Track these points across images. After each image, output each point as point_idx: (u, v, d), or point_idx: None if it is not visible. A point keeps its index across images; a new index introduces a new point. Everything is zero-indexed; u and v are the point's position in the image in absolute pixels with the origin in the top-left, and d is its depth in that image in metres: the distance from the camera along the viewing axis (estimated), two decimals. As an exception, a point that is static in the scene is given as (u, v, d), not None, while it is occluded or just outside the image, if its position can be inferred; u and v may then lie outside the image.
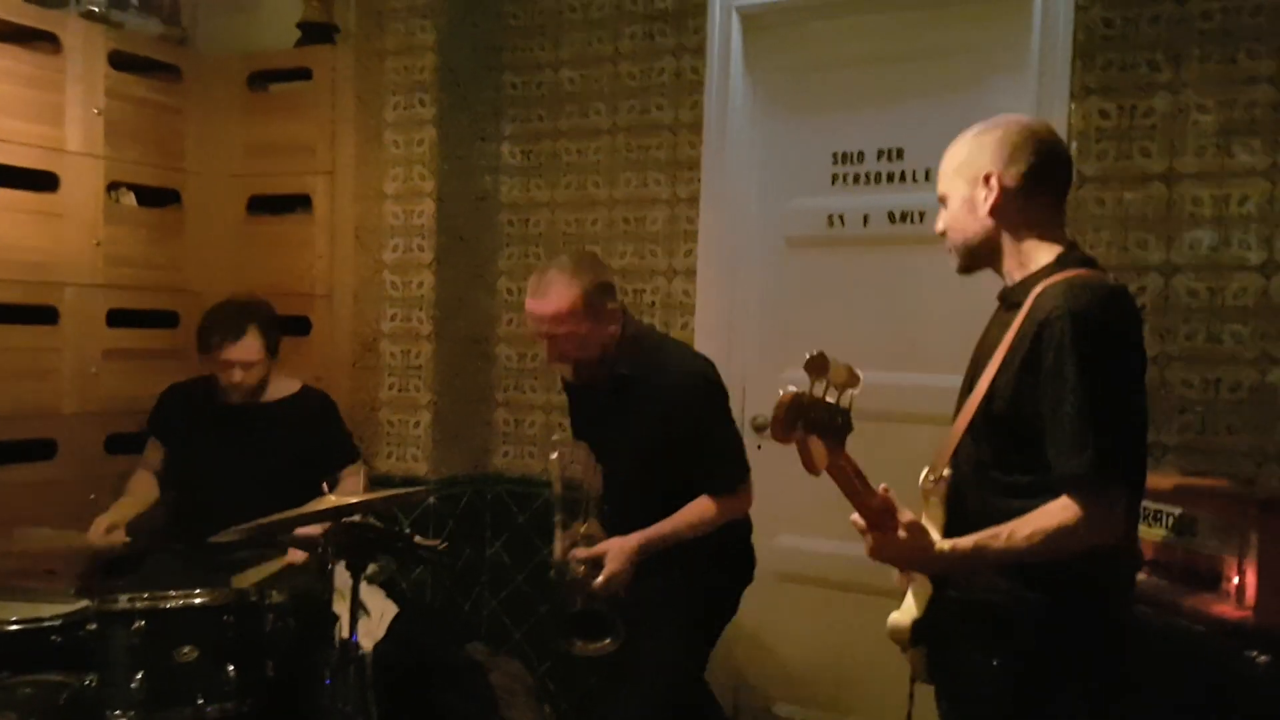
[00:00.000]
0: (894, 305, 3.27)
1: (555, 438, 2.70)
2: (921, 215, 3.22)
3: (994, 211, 1.88)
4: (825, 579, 3.27)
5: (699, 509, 2.54)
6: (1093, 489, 1.68)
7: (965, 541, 1.74)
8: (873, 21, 3.29)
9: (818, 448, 1.63)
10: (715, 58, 3.43)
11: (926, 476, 1.88)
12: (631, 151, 3.60)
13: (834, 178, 3.36)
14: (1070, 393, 1.68)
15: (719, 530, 2.58)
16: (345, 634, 2.59)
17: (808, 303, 3.41)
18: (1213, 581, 2.31)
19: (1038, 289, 1.80)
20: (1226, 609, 2.29)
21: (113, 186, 3.52)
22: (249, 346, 3.07)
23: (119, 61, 3.50)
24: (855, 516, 1.76)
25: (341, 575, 2.60)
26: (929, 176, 3.21)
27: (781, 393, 1.63)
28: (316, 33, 3.73)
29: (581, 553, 2.53)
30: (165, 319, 3.70)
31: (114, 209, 3.52)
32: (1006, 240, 1.90)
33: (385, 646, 3.00)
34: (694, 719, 2.73)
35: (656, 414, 2.52)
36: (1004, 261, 1.92)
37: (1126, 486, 1.74)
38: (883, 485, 1.73)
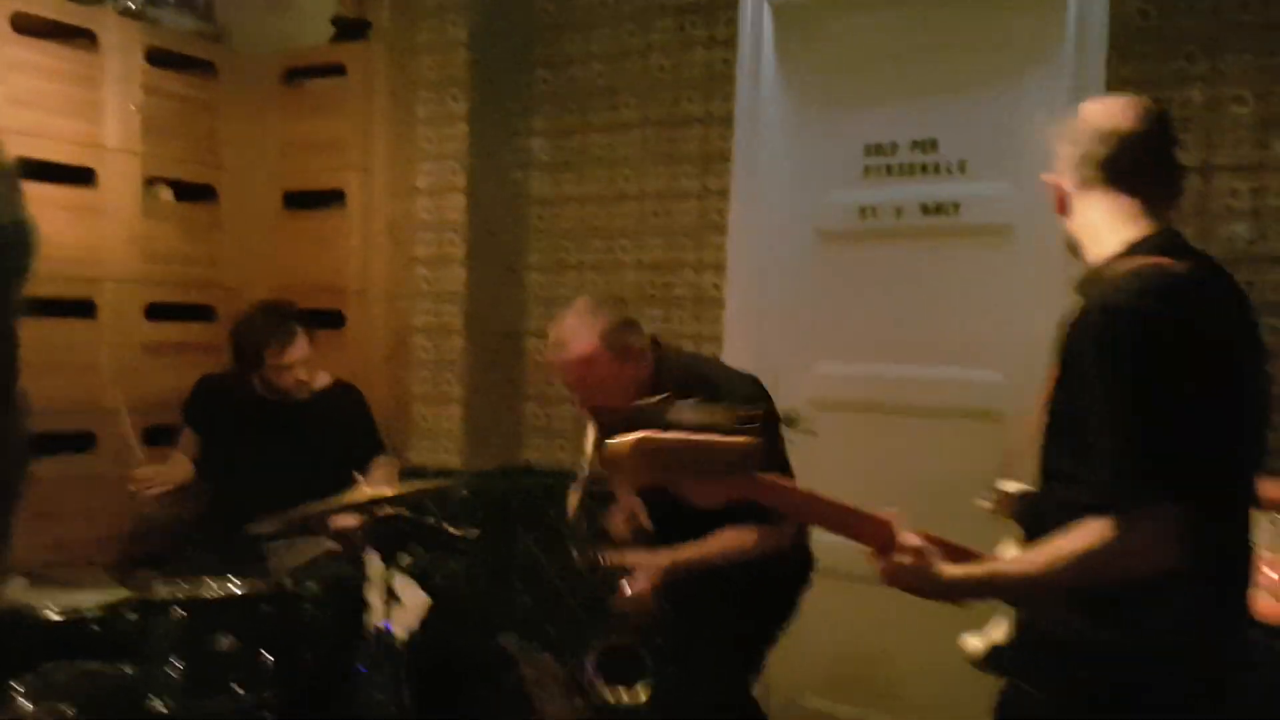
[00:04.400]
0: (927, 298, 3.25)
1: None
2: (956, 207, 3.20)
3: (1061, 211, 1.74)
4: (855, 573, 3.25)
5: (733, 537, 2.41)
6: (1122, 507, 1.46)
7: (978, 569, 1.56)
8: (905, 13, 3.28)
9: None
10: (746, 50, 3.43)
11: (986, 496, 1.73)
12: (662, 145, 3.60)
13: (866, 170, 3.34)
14: (1097, 397, 1.50)
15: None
16: (379, 624, 2.62)
17: (839, 296, 3.41)
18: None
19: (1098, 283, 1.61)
20: (1261, 604, 2.27)
21: (150, 182, 3.56)
22: (301, 344, 3.11)
23: (155, 58, 3.55)
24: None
25: (375, 566, 2.63)
26: (963, 168, 3.20)
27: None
28: (350, 29, 3.76)
29: (612, 558, 2.47)
30: (202, 313, 3.74)
31: (151, 204, 3.57)
32: (1083, 234, 1.71)
33: (419, 637, 3.02)
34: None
35: None
36: (1083, 254, 1.73)
37: (1179, 503, 1.44)
38: (892, 508, 1.60)
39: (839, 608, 3.29)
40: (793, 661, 3.35)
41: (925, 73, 3.25)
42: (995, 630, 1.71)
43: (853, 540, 1.64)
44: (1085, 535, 1.48)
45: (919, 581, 1.56)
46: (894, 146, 3.30)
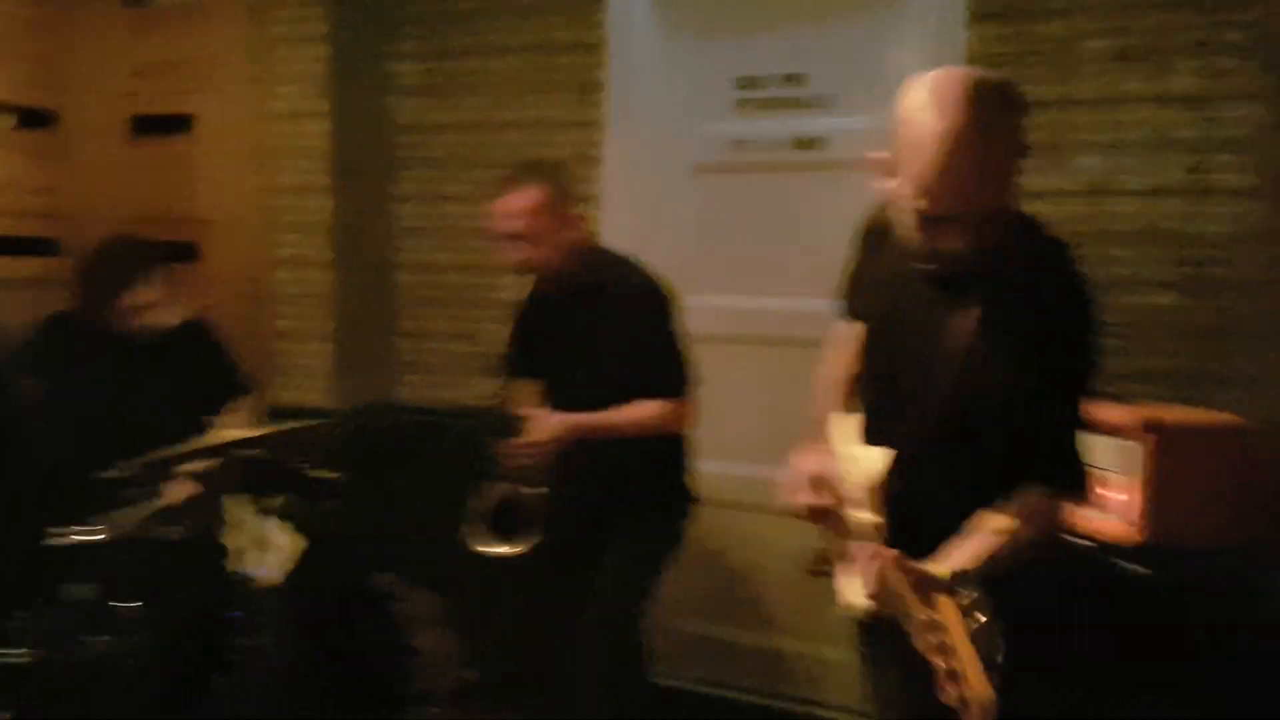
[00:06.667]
0: (799, 232, 3.28)
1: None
2: (824, 141, 3.23)
3: None
4: (729, 500, 3.33)
5: (639, 407, 2.54)
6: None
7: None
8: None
9: None
10: (617, -26, 3.36)
11: None
12: (535, 72, 3.52)
13: (738, 103, 3.33)
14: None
15: (658, 474, 2.63)
16: (249, 568, 2.56)
17: (715, 230, 3.41)
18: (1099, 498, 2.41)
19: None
20: (1111, 525, 2.41)
21: (-13, 108, 3.33)
22: (153, 285, 2.95)
23: (-13, -27, 3.29)
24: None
25: (241, 510, 2.57)
26: (830, 103, 3.22)
27: None
28: (199, -58, 3.55)
29: (516, 408, 2.56)
30: (46, 247, 3.55)
31: (-12, 131, 3.34)
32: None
33: (291, 579, 2.97)
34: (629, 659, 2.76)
35: (615, 322, 2.56)
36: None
37: None
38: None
39: (718, 535, 3.37)
40: (673, 588, 3.42)
41: (793, 4, 3.23)
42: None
43: None
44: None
45: None
46: (765, 80, 3.29)
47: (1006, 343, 1.63)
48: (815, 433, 2.03)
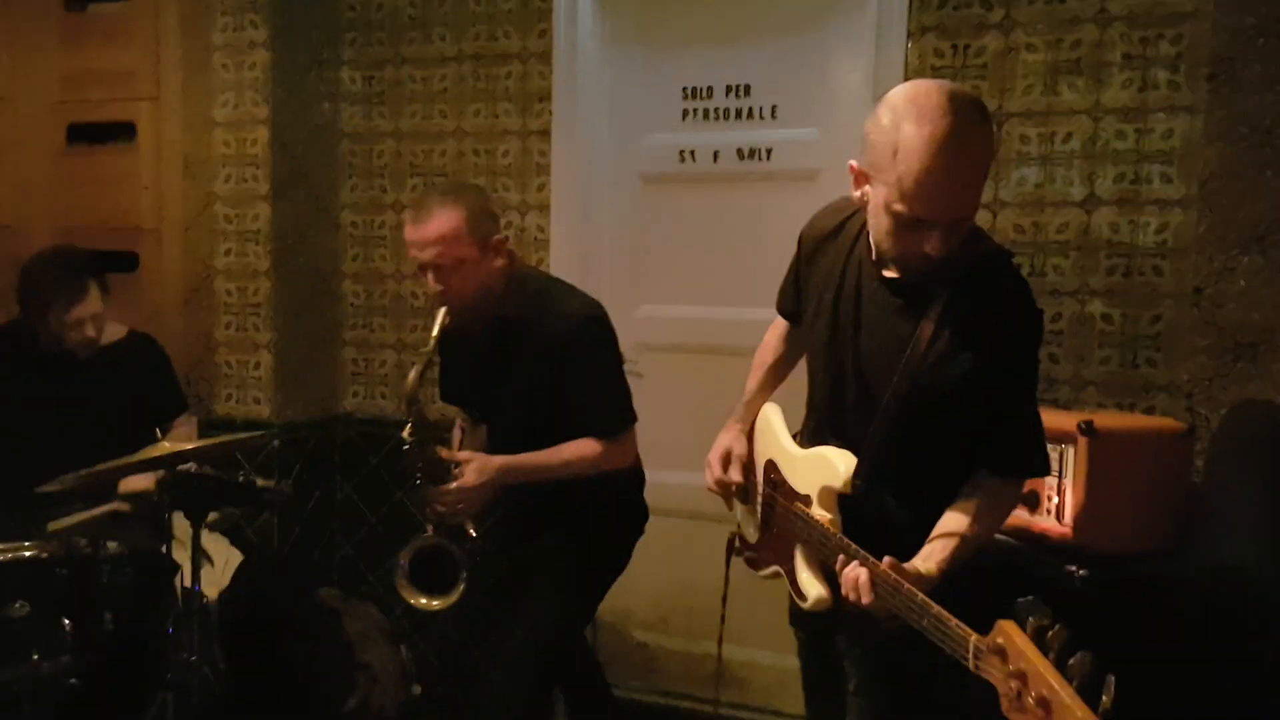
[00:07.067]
0: (745, 242, 3.30)
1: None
2: (769, 152, 3.26)
3: None
4: (677, 509, 3.33)
5: (576, 447, 2.40)
6: None
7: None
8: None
9: None
10: (561, -17, 3.36)
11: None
12: (479, 81, 3.51)
13: (684, 113, 3.35)
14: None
15: (612, 486, 2.50)
16: (187, 584, 2.52)
17: (663, 239, 3.43)
18: (1031, 500, 2.45)
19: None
20: (1046, 526, 2.45)
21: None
22: (93, 300, 2.89)
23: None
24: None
25: (180, 524, 2.52)
26: (775, 114, 3.26)
27: None
28: (135, -53, 3.49)
29: (444, 452, 2.42)
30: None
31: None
32: None
33: (231, 595, 2.92)
34: (568, 664, 2.72)
35: (546, 356, 2.38)
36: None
37: None
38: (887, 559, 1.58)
39: (663, 544, 3.37)
40: (620, 598, 3.42)
41: (738, 15, 3.27)
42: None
43: None
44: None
45: None
46: (710, 91, 3.32)
47: (967, 348, 1.67)
48: (740, 414, 2.11)
